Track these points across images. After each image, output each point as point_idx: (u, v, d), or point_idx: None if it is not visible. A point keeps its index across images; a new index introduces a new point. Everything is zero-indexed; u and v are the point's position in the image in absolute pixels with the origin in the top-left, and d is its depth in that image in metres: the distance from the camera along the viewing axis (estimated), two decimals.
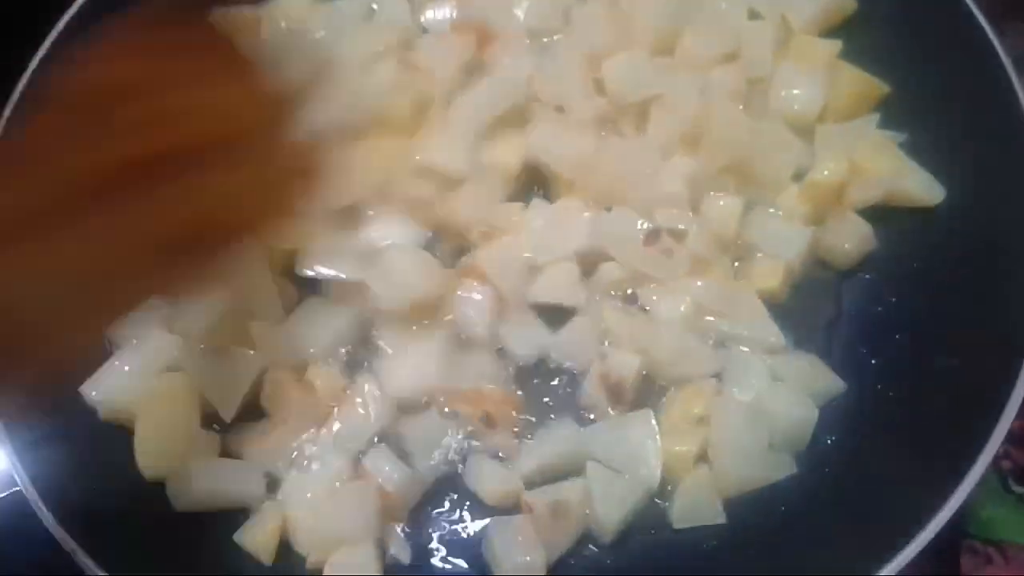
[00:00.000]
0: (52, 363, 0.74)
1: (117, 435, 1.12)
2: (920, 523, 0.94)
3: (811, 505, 1.07)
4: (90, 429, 1.12)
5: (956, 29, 1.21)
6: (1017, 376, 0.99)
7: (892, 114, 1.26)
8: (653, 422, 1.10)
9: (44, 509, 1.01)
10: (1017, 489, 1.15)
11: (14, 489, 1.03)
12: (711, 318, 1.16)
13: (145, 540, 1.06)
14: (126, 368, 1.14)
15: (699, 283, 1.17)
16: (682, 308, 1.16)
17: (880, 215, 1.21)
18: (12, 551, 1.11)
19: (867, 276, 1.23)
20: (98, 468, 1.08)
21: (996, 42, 1.17)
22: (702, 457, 1.10)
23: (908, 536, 0.93)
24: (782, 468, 1.09)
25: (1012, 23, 1.23)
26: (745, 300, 1.17)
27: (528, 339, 1.17)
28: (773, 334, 1.16)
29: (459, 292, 1.17)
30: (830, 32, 1.30)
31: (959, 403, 1.03)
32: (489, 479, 1.10)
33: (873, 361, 1.17)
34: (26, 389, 0.75)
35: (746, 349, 1.16)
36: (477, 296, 1.16)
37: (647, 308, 1.18)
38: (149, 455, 1.10)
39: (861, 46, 1.29)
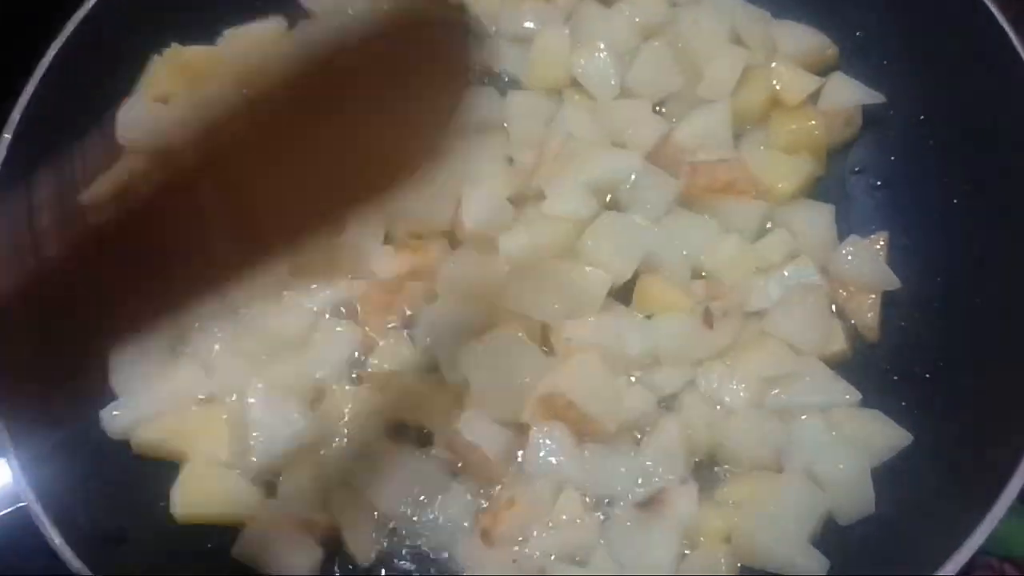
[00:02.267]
0: None
1: (124, 452, 1.10)
2: (952, 549, 0.93)
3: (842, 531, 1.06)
4: (97, 445, 1.10)
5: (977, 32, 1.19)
6: None
7: (912, 121, 1.27)
8: (675, 534, 1.06)
9: (49, 526, 0.98)
10: None
11: (19, 505, 1.01)
12: (777, 392, 1.13)
13: (149, 560, 1.06)
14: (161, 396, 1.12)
15: (758, 358, 1.14)
16: (744, 391, 1.13)
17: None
18: (15, 569, 1.08)
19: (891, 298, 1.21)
20: (105, 485, 1.06)
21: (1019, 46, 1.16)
22: (729, 536, 1.07)
23: (941, 563, 0.93)
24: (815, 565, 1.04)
25: None
26: (807, 364, 1.14)
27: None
28: (848, 391, 1.13)
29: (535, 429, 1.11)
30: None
31: (988, 423, 1.03)
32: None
33: (895, 378, 1.16)
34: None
35: (806, 417, 1.12)
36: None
37: (711, 396, 1.14)
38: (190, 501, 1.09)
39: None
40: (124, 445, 1.11)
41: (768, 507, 1.06)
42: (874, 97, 1.30)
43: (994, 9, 1.18)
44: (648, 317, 1.18)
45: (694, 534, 1.07)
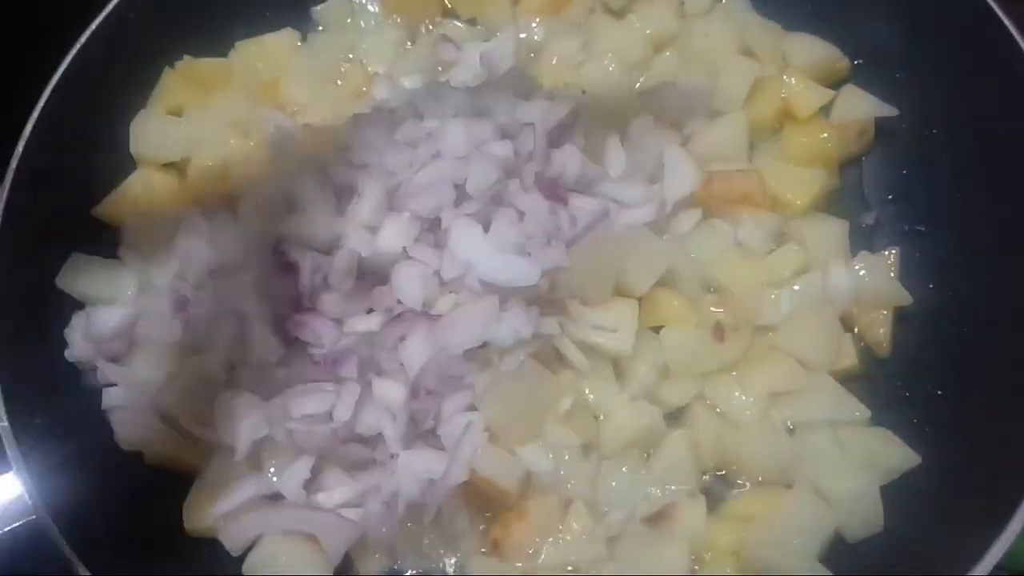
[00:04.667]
0: None
1: (135, 464, 1.10)
2: (966, 566, 0.92)
3: (851, 547, 1.06)
4: (107, 458, 1.10)
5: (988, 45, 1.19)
6: None
7: (923, 134, 1.27)
8: (684, 548, 1.05)
9: (60, 539, 0.98)
10: None
11: (29, 518, 1.00)
12: (786, 407, 1.12)
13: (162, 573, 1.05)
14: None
15: (767, 372, 1.13)
16: (752, 405, 1.12)
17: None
18: None
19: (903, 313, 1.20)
20: (116, 497, 1.06)
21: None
22: (737, 551, 1.06)
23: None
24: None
25: None
26: (816, 380, 1.13)
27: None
28: (857, 408, 1.12)
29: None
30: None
31: (1000, 441, 1.02)
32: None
33: (906, 395, 1.15)
34: None
35: (815, 433, 1.11)
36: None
37: (722, 411, 1.13)
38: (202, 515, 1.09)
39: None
40: (135, 457, 1.11)
41: (776, 522, 1.05)
42: (887, 110, 1.29)
43: (1007, 22, 1.16)
44: (655, 330, 1.17)
45: (702, 548, 1.06)
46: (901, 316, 1.19)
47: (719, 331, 1.14)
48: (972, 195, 1.21)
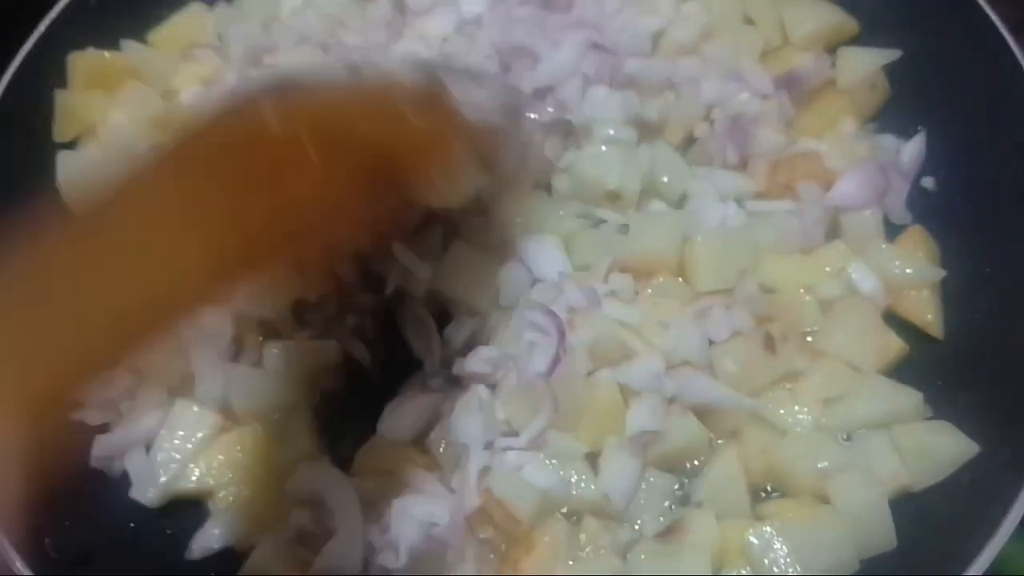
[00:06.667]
0: None
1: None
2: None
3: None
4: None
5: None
6: None
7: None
8: (702, 558, 0.96)
9: (10, 549, 0.91)
10: None
11: None
12: (839, 415, 1.04)
13: None
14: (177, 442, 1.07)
15: (817, 378, 1.05)
16: (807, 414, 1.04)
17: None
18: None
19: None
20: (68, 505, 0.99)
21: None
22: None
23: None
24: None
25: None
26: (866, 380, 1.05)
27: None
28: (914, 398, 1.04)
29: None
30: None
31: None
32: None
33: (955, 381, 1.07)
34: None
35: (867, 434, 1.03)
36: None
37: (774, 424, 1.05)
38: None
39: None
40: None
41: (789, 533, 0.96)
42: (889, 55, 1.23)
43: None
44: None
45: (720, 555, 0.98)
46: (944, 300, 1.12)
47: (771, 342, 1.04)
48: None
